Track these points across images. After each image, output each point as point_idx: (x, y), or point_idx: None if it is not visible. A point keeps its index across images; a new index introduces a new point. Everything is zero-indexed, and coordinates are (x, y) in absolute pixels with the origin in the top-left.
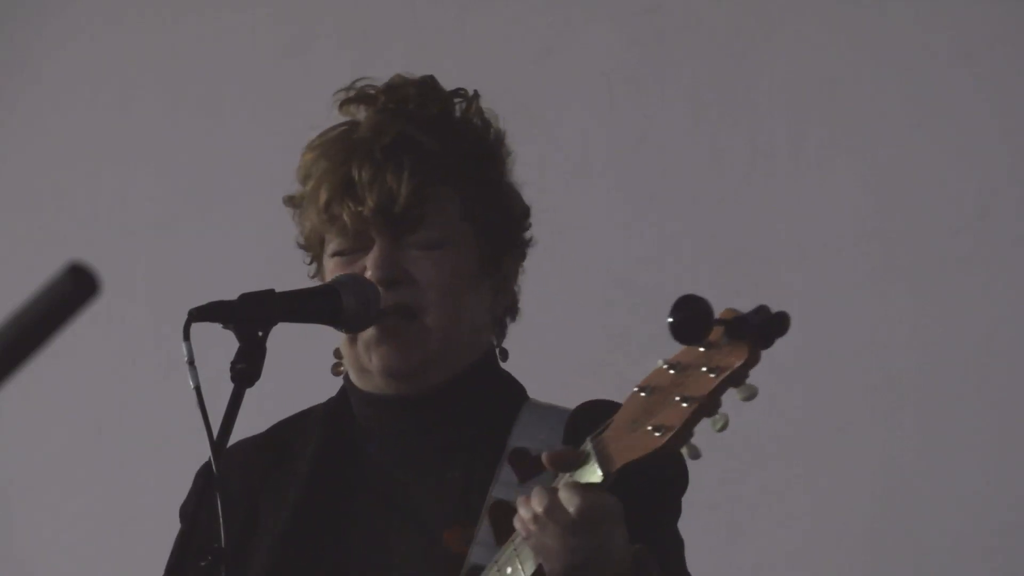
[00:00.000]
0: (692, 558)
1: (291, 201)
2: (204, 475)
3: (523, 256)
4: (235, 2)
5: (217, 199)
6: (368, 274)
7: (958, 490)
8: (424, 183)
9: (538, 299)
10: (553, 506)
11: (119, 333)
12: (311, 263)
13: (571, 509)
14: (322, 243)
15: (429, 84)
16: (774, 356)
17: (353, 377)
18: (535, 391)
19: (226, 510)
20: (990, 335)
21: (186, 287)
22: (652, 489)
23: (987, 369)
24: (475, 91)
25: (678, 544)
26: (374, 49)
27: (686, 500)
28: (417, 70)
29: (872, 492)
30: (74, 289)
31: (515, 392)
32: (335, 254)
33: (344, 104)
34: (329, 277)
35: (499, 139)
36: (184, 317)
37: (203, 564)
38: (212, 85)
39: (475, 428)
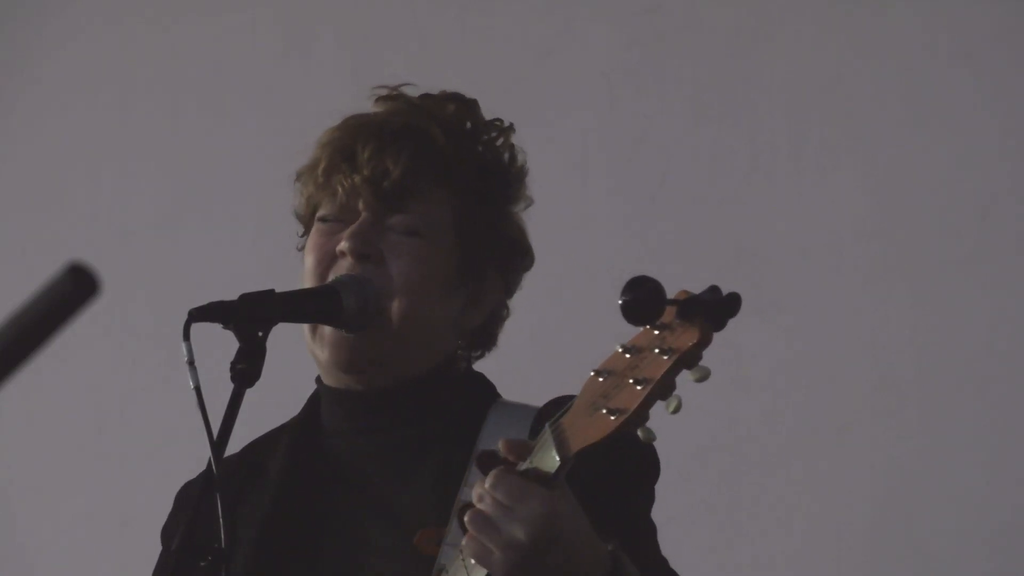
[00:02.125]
0: (692, 558)
1: (299, 175)
2: (185, 495)
3: (508, 290)
4: (235, 2)
5: (217, 199)
6: (342, 245)
7: (958, 490)
8: (421, 170)
9: (538, 299)
10: (482, 495)
11: (119, 333)
12: (303, 235)
13: (487, 487)
14: (314, 213)
15: (470, 104)
16: (774, 355)
17: (319, 369)
18: (533, 391)
19: (210, 512)
20: (990, 336)
21: (186, 287)
22: (623, 478)
23: (987, 370)
24: (511, 124)
25: (651, 531)
26: (374, 49)
27: (686, 500)
28: (417, 70)
29: (872, 492)
30: (74, 289)
31: (485, 392)
32: (321, 219)
33: (379, 100)
34: (311, 244)
35: (518, 172)
36: (184, 317)
37: (203, 564)
38: (212, 85)
39: (443, 427)
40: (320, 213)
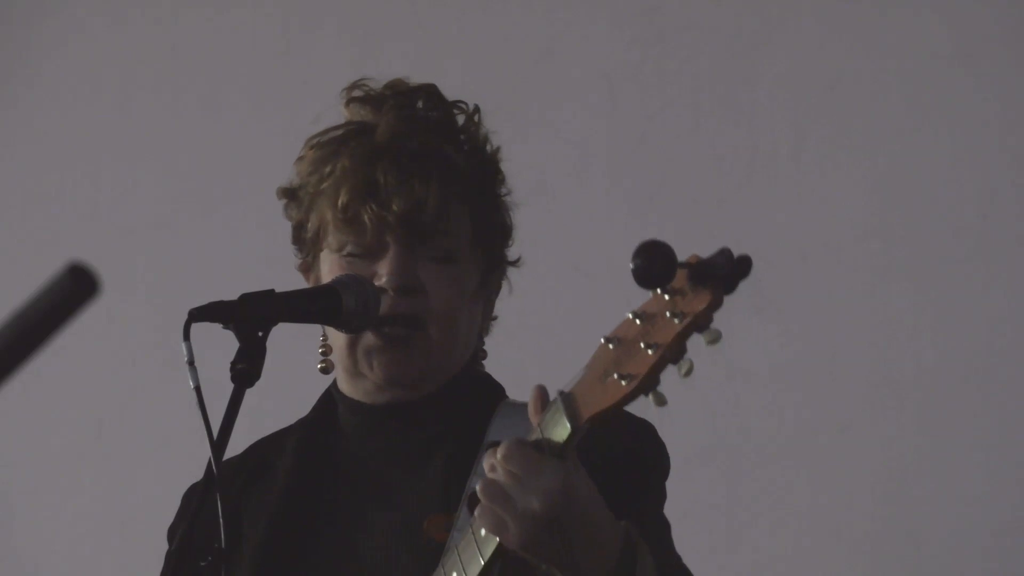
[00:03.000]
0: (692, 558)
1: (289, 193)
2: (192, 496)
3: (505, 269)
4: (234, 1)
5: (217, 198)
6: (383, 280)
7: (958, 490)
8: (449, 195)
9: (538, 299)
10: (493, 466)
11: (119, 333)
12: (305, 256)
13: (499, 456)
14: (322, 239)
15: (434, 92)
16: (775, 355)
17: (342, 381)
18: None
19: (211, 512)
20: (991, 335)
21: (186, 287)
22: (635, 474)
23: (988, 369)
24: (476, 105)
25: (664, 526)
26: (374, 49)
27: (686, 500)
28: (417, 69)
29: (873, 492)
30: (74, 289)
31: (494, 392)
32: (348, 255)
33: (351, 103)
34: (329, 273)
35: (496, 154)
36: (184, 317)
37: (203, 564)
38: (212, 84)
39: (455, 426)
40: (343, 248)
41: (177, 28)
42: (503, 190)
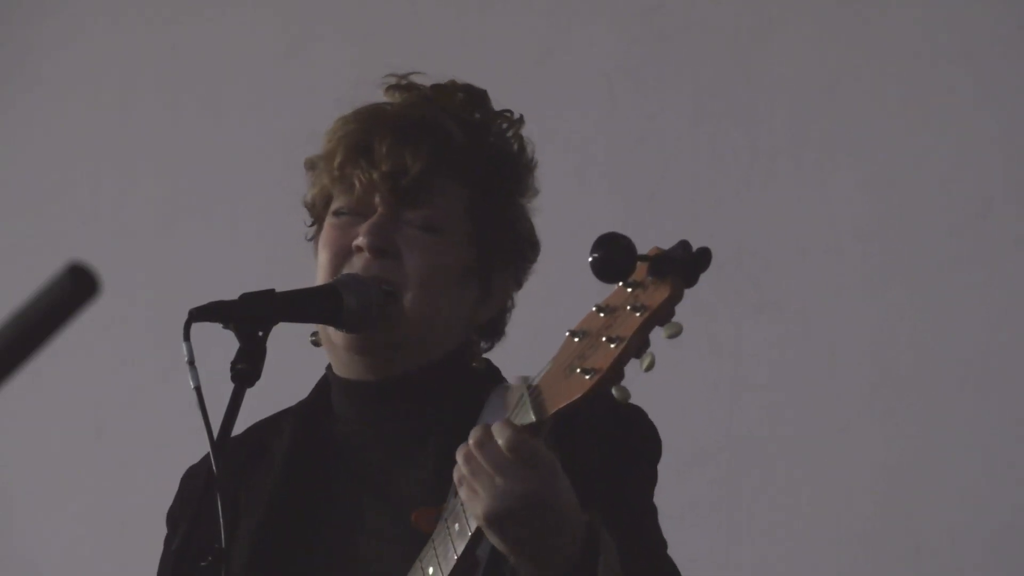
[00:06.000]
0: (692, 558)
1: (310, 164)
2: (191, 478)
3: (518, 282)
4: (235, 2)
5: (217, 199)
6: (359, 240)
7: (958, 490)
8: (439, 166)
9: (536, 299)
10: (484, 440)
11: (119, 333)
12: (312, 225)
13: (500, 441)
14: (327, 205)
15: (479, 94)
16: (774, 355)
17: (330, 357)
18: None
19: (211, 512)
20: (990, 335)
21: (186, 287)
22: (620, 456)
23: (987, 369)
24: (520, 115)
25: (650, 511)
26: (374, 49)
27: (686, 500)
28: (417, 70)
29: (872, 492)
30: (74, 289)
31: (489, 376)
32: (335, 212)
33: (389, 89)
34: (326, 238)
35: (528, 166)
36: (184, 317)
37: (203, 564)
38: (212, 85)
39: (448, 411)
40: (335, 206)
41: (177, 28)
42: (521, 196)
